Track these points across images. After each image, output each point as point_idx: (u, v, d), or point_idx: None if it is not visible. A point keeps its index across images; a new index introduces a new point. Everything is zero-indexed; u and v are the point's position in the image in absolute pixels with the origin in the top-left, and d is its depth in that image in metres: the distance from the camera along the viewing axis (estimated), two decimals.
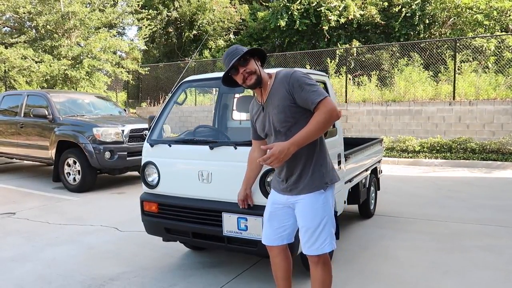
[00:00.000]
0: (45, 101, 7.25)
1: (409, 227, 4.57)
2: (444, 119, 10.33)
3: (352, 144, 4.61)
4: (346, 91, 11.99)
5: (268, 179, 2.81)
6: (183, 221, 3.12)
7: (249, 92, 4.70)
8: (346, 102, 11.87)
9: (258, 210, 2.81)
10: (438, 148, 9.54)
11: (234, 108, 4.37)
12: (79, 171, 6.55)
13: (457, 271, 3.34)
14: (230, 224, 2.90)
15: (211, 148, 2.99)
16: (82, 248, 4.02)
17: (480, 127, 9.92)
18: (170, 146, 3.21)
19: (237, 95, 4.39)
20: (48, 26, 12.64)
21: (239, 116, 4.49)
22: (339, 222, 3.70)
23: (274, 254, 2.45)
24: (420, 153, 9.62)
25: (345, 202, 3.93)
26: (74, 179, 6.63)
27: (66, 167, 6.70)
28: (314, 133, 2.06)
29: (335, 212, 3.54)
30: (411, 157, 9.59)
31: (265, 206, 2.80)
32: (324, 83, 3.71)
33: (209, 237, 3.07)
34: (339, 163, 3.63)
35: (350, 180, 4.02)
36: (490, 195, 6.05)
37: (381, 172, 5.51)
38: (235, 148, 2.92)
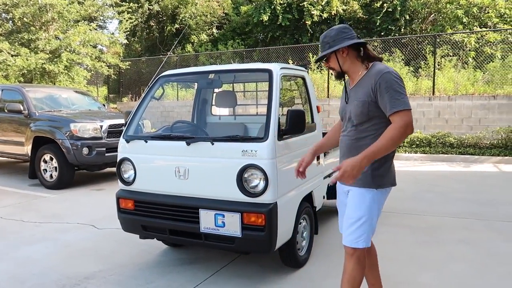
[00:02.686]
0: (20, 96, 7.05)
1: (388, 221, 4.62)
2: (424, 114, 10.48)
3: None
4: (328, 86, 12.04)
5: (246, 175, 2.79)
6: (159, 218, 3.08)
7: (228, 87, 4.67)
8: (328, 97, 11.92)
9: (234, 206, 2.80)
10: (417, 142, 9.67)
11: (213, 103, 4.32)
12: (56, 167, 6.40)
13: (434, 264, 3.39)
14: (207, 220, 2.87)
15: (188, 144, 2.94)
16: (58, 247, 3.93)
17: (458, 122, 10.10)
18: (146, 142, 3.15)
19: (216, 90, 4.35)
20: (24, 19, 12.29)
21: (218, 111, 4.45)
22: (318, 217, 3.72)
23: None
24: (400, 147, 9.74)
25: (324, 197, 3.94)
26: (51, 176, 6.48)
27: (42, 163, 6.54)
28: (386, 148, 2.02)
29: (314, 208, 3.58)
30: None
31: (241, 202, 2.82)
32: (303, 78, 3.70)
33: (186, 234, 3.03)
34: (318, 158, 3.63)
35: (329, 175, 4.01)
36: (467, 189, 6.17)
37: None
38: (212, 144, 2.88)
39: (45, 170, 6.54)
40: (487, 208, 5.06)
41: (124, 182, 3.26)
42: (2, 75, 12.34)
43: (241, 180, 2.79)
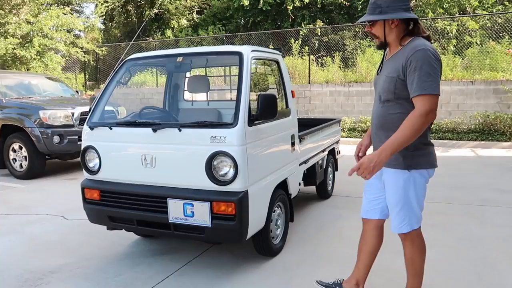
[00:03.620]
0: None
1: None
2: None
3: (309, 125, 4.53)
4: (309, 72, 11.93)
5: (215, 163, 2.68)
6: (127, 208, 2.95)
7: (200, 71, 4.52)
8: (309, 83, 11.82)
9: (203, 195, 2.69)
10: None
11: (186, 88, 4.17)
12: (25, 156, 6.16)
13: None
14: (176, 210, 2.76)
15: (154, 130, 2.81)
16: (23, 239, 3.76)
17: (437, 107, 10.13)
18: (111, 129, 2.99)
19: (188, 75, 4.20)
20: None
21: (191, 96, 4.30)
22: (294, 204, 3.65)
23: (368, 228, 2.37)
24: None
25: (300, 184, 3.87)
26: (21, 166, 6.24)
27: (11, 152, 6.29)
28: (407, 138, 1.88)
29: (289, 195, 3.49)
30: None
31: (211, 190, 2.71)
32: (277, 62, 3.57)
33: (155, 224, 2.91)
34: (293, 144, 3.54)
35: (305, 162, 3.95)
36: (445, 174, 6.18)
37: (339, 153, 5.49)
38: (180, 130, 2.75)
39: (15, 159, 6.29)
40: (462, 192, 5.09)
41: (89, 171, 3.11)
42: None
43: (210, 168, 2.68)
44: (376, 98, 2.17)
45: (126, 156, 2.95)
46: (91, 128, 3.07)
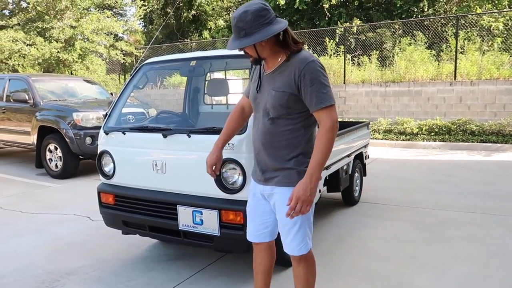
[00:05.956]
0: (26, 85, 7.06)
1: (393, 215, 4.36)
2: (445, 100, 9.97)
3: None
4: (344, 71, 11.62)
5: (224, 170, 2.61)
6: (139, 213, 2.95)
7: (221, 73, 4.46)
8: (344, 83, 11.52)
9: (212, 203, 2.63)
10: (436, 130, 9.23)
11: (206, 91, 4.13)
12: (60, 157, 6.40)
13: (434, 264, 3.13)
14: (185, 217, 2.72)
15: (165, 136, 2.78)
16: (48, 239, 3.88)
17: (481, 108, 9.55)
18: (124, 134, 3.00)
19: (208, 78, 4.16)
20: (38, 7, 12.35)
21: (211, 100, 4.26)
22: (316, 210, 3.50)
23: (258, 249, 2.28)
24: (418, 135, 9.32)
25: (320, 191, 3.71)
26: (56, 166, 6.49)
27: (48, 153, 6.56)
28: (327, 155, 1.85)
29: None
30: (409, 140, 9.30)
31: (220, 198, 2.65)
32: None
33: (166, 231, 2.89)
34: None
35: (326, 168, 3.79)
36: (484, 180, 5.79)
37: (368, 157, 5.26)
38: (189, 136, 2.70)
39: (51, 159, 6.56)
40: (501, 201, 4.71)
41: (105, 175, 3.15)
42: (18, 64, 12.50)
43: (219, 175, 2.61)
44: (260, 115, 1.99)
45: (138, 161, 2.95)
46: (106, 133, 3.10)
